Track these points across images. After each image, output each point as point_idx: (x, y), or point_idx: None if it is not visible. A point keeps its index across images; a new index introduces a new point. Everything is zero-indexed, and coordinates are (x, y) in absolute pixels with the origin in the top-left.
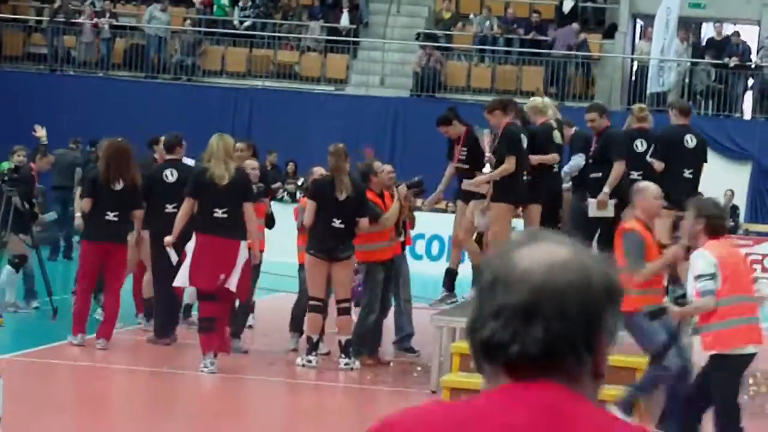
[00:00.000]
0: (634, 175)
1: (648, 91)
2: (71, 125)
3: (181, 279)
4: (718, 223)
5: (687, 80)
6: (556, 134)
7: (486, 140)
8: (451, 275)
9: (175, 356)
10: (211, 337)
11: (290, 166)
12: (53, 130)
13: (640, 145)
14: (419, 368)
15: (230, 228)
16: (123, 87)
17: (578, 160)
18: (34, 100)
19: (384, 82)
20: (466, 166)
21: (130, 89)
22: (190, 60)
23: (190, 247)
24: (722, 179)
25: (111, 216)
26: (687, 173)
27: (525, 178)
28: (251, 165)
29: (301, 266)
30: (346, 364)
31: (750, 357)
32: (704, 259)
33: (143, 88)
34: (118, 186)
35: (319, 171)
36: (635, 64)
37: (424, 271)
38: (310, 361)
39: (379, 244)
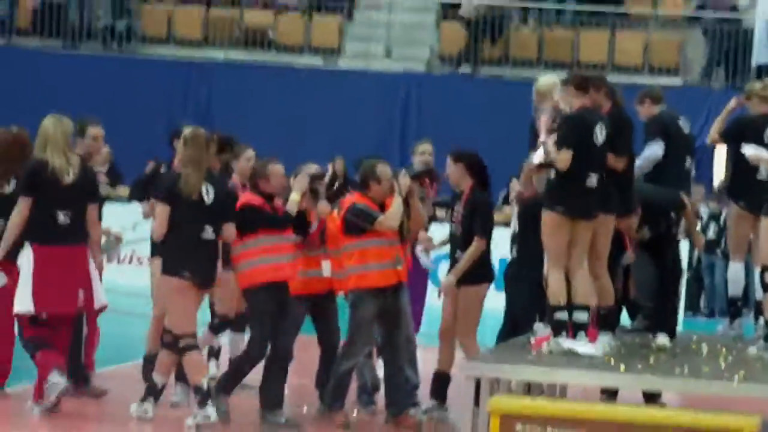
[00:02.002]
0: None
1: (753, 63)
2: None
3: (23, 303)
4: None
5: None
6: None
7: (543, 120)
8: (441, 381)
9: None
10: (47, 354)
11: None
12: None
13: None
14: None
15: (74, 234)
16: (32, 59)
17: (655, 149)
18: None
19: (391, 53)
20: None
21: (41, 62)
22: (123, 23)
23: (22, 262)
24: None
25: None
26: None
27: (592, 182)
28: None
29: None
30: (205, 416)
31: None
32: None
33: (60, 61)
34: (8, 189)
35: (311, 169)
36: (736, 26)
37: None
38: (208, 416)
39: (375, 265)
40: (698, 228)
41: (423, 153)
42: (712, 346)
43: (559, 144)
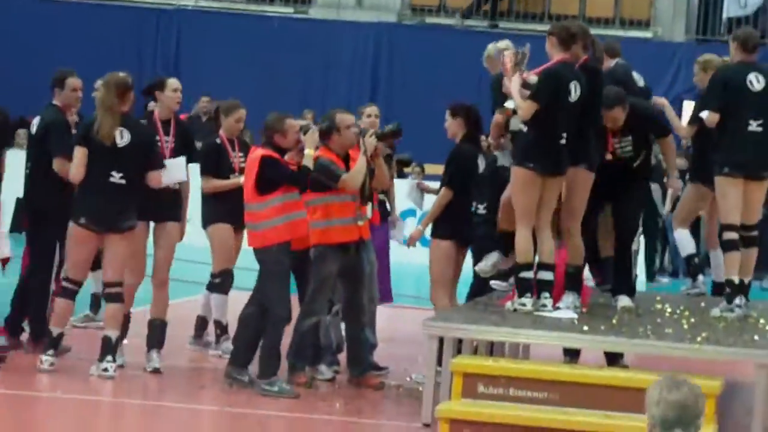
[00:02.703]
0: (753, 125)
1: (724, 16)
2: None
3: None
4: None
5: None
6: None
7: (507, 59)
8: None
9: None
10: None
11: (203, 103)
12: None
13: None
14: (399, 390)
15: None
16: (6, 7)
17: None
18: None
19: (362, 3)
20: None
21: (12, 9)
22: None
23: None
24: None
25: None
26: (754, 125)
27: (563, 140)
28: None
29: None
30: (104, 369)
31: None
32: None
33: (30, 7)
34: None
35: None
36: None
37: (415, 261)
38: (106, 370)
39: (337, 220)
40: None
41: (369, 116)
42: (675, 307)
43: (531, 95)
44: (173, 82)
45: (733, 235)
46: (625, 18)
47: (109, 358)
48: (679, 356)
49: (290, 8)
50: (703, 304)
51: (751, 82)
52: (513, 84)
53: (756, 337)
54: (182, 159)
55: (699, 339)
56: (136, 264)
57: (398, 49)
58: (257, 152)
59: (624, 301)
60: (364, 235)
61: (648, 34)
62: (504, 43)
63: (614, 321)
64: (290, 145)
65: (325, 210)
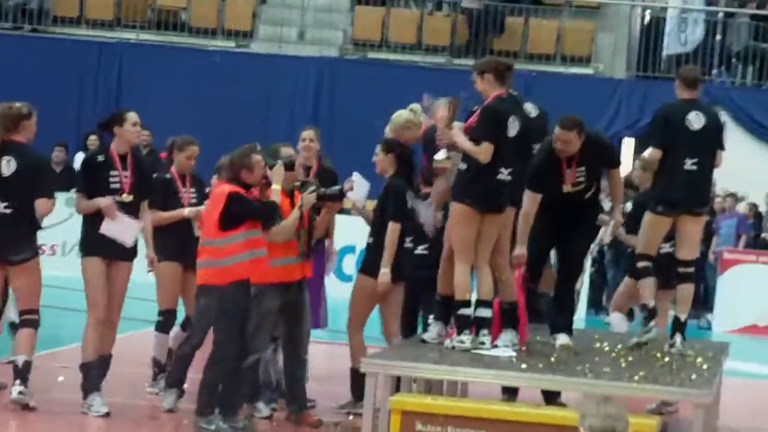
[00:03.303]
0: (688, 164)
1: (665, 53)
2: None
3: None
4: None
5: (719, 38)
6: None
7: (440, 112)
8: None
9: None
10: None
11: (144, 136)
12: None
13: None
14: (337, 428)
15: None
16: None
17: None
18: None
19: (304, 37)
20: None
21: None
22: (36, 3)
23: None
24: (764, 173)
25: None
26: (689, 164)
27: (504, 175)
28: None
29: (200, 289)
30: (19, 393)
31: None
32: None
33: None
34: None
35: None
36: (647, 15)
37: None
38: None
39: (278, 260)
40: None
41: (304, 139)
42: (613, 345)
43: (481, 137)
44: (132, 116)
45: (646, 264)
46: (567, 54)
47: (18, 382)
48: (617, 395)
49: (232, 42)
50: (634, 341)
51: (690, 120)
52: (456, 134)
53: (693, 376)
54: (136, 225)
55: (637, 378)
56: (116, 301)
57: (340, 83)
58: (223, 188)
59: (562, 339)
60: (306, 274)
61: (589, 71)
62: (415, 106)
63: (552, 359)
64: (256, 181)
65: (267, 248)
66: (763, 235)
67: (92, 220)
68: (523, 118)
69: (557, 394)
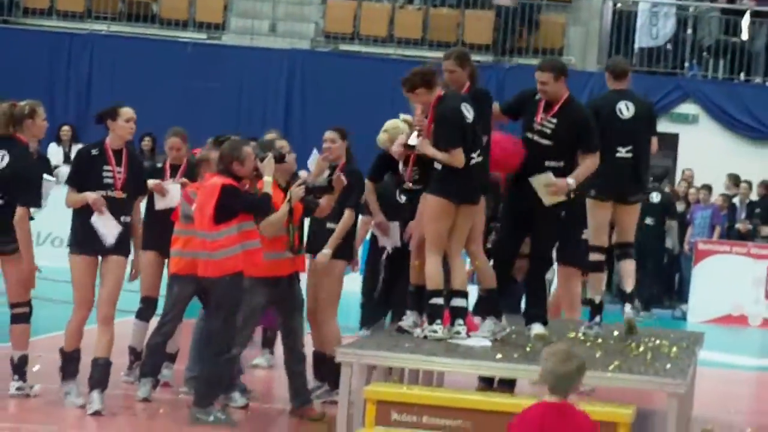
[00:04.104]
0: (622, 152)
1: (636, 46)
2: None
3: None
4: None
5: (689, 31)
6: None
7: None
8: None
9: None
10: None
11: (146, 142)
12: None
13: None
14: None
15: None
16: None
17: None
18: None
19: (276, 29)
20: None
21: None
22: None
23: None
24: (736, 165)
25: None
26: (623, 152)
27: (476, 159)
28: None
29: (173, 278)
30: (17, 388)
31: None
32: None
33: None
34: None
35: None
36: (618, 8)
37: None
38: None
39: (268, 254)
40: None
41: (325, 141)
42: (588, 335)
43: (446, 144)
44: (126, 111)
45: (598, 257)
46: (539, 47)
47: (16, 377)
48: (592, 384)
49: (203, 34)
50: (616, 333)
51: (620, 110)
52: (425, 147)
53: (668, 366)
54: (116, 230)
55: (611, 367)
56: (110, 296)
57: (311, 75)
58: (215, 180)
59: (537, 328)
60: (298, 268)
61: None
62: (395, 123)
63: (528, 349)
64: (248, 173)
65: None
66: (737, 225)
67: (81, 215)
68: (473, 99)
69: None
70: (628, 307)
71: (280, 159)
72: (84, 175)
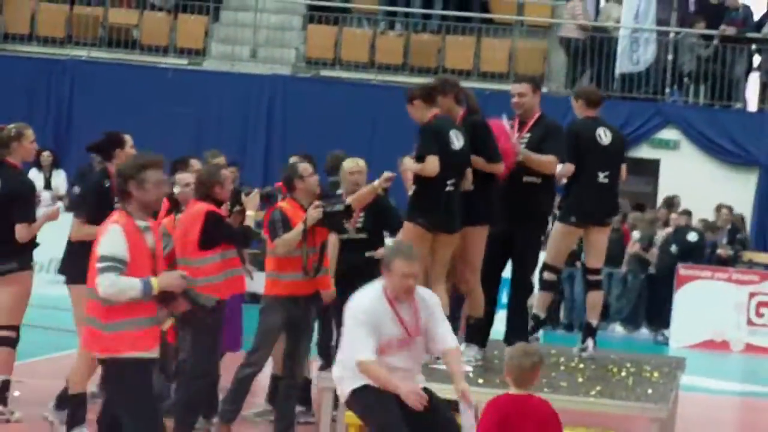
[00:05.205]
0: (601, 177)
1: (617, 72)
2: None
3: None
4: None
5: (670, 57)
6: None
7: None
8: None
9: None
10: None
11: (44, 156)
12: None
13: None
14: None
15: None
16: None
17: None
18: None
19: (256, 55)
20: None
21: None
22: None
23: None
24: (716, 192)
25: None
26: (602, 177)
27: (449, 188)
28: None
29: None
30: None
31: None
32: None
33: None
34: None
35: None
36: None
37: None
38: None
39: (286, 275)
40: None
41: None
42: (569, 360)
43: (423, 152)
44: (129, 138)
45: (552, 277)
46: (519, 73)
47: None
48: (574, 409)
49: (184, 60)
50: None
51: (600, 136)
52: (407, 164)
53: (649, 391)
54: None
55: (593, 392)
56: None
57: (292, 101)
58: (199, 207)
59: None
60: (320, 287)
61: (542, 90)
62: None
63: None
64: (227, 197)
65: (277, 263)
66: (718, 251)
67: (85, 247)
68: (473, 134)
69: None
70: (590, 344)
71: (267, 197)
72: (99, 208)
